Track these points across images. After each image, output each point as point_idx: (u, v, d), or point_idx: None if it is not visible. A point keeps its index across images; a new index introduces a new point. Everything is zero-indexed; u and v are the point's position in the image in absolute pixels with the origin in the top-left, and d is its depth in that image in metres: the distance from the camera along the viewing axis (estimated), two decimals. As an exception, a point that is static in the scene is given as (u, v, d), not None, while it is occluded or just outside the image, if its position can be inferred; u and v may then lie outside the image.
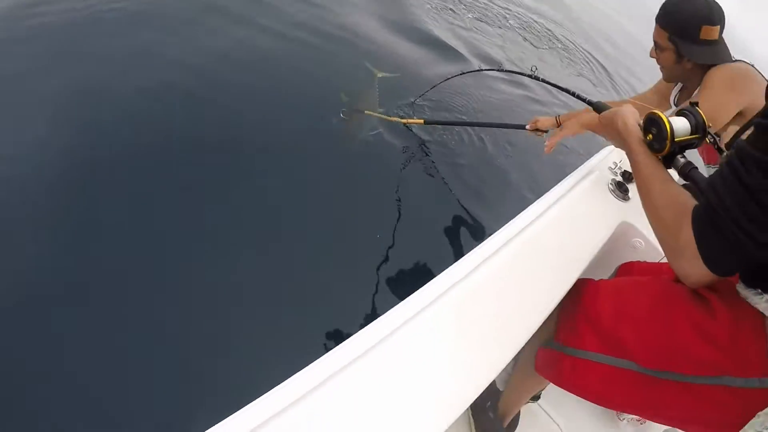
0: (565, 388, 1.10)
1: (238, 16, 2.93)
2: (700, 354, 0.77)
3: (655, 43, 1.41)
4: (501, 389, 1.43)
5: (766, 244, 0.62)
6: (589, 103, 1.16)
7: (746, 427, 0.68)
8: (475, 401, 1.43)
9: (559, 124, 2.04)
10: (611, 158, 1.52)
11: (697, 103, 0.84)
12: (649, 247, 1.32)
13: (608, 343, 0.91)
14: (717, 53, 1.36)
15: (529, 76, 1.38)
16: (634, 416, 1.47)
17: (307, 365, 0.70)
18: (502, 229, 1.10)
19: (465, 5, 5.00)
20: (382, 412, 0.68)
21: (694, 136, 0.82)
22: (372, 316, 0.79)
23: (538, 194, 1.25)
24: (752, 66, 1.39)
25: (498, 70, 1.60)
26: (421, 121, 2.47)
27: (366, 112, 2.47)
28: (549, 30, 5.93)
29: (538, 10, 6.35)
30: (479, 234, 2.26)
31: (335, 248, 1.90)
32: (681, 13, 1.28)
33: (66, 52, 2.33)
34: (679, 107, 0.87)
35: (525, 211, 1.17)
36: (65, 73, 2.21)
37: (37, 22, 2.45)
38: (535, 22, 5.89)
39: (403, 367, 0.73)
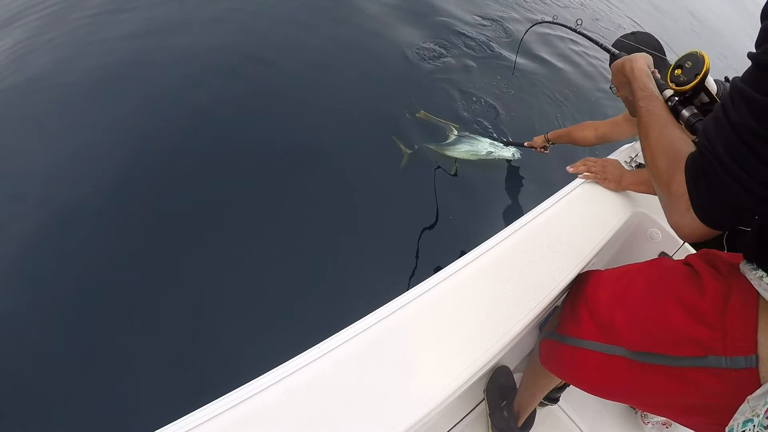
0: (565, 380, 1.07)
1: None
2: (685, 331, 0.70)
3: (612, 83, 1.43)
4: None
5: (758, 192, 0.56)
6: (611, 53, 1.18)
7: (736, 414, 0.62)
8: (491, 400, 1.41)
9: (548, 140, 2.23)
10: (627, 153, 1.50)
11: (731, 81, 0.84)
12: (666, 237, 1.28)
13: (602, 329, 0.87)
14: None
15: (572, 29, 1.45)
16: (658, 419, 1.40)
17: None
18: (520, 219, 1.13)
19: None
20: (424, 353, 0.83)
21: (714, 96, 0.82)
22: (413, 282, 0.99)
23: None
24: None
25: (552, 23, 1.67)
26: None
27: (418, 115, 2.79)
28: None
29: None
30: (500, 224, 2.37)
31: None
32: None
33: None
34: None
35: (541, 204, 1.19)
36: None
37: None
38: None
39: (434, 320, 0.88)
